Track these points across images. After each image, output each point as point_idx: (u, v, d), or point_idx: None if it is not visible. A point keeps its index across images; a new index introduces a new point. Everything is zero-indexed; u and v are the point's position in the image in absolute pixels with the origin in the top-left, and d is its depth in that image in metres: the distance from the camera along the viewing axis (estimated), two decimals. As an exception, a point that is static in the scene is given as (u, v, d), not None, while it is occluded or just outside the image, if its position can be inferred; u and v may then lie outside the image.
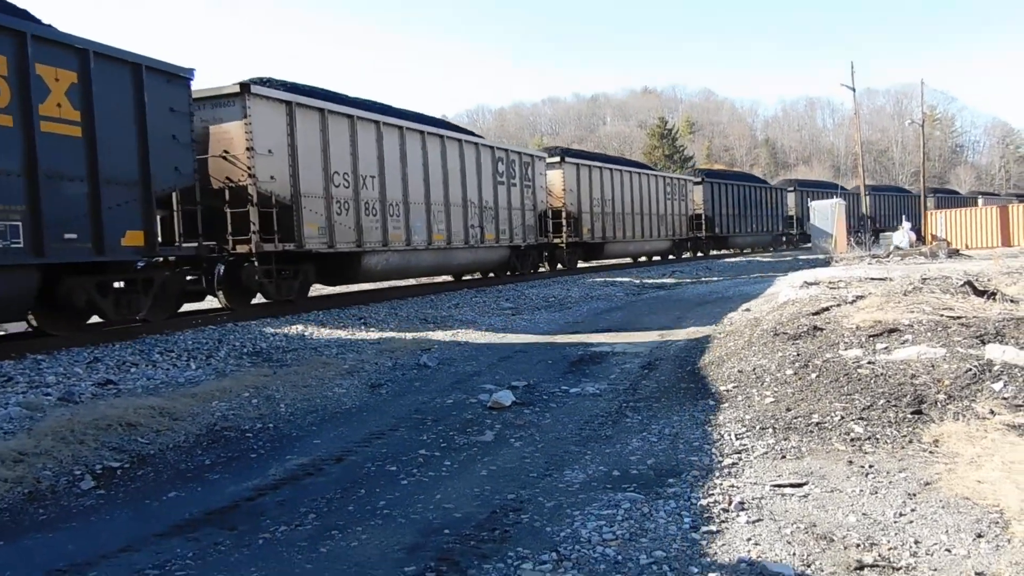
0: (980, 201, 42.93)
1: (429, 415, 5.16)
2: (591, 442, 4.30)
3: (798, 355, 5.37)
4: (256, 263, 9.87)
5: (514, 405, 5.28)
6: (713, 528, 2.95)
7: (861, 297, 7.46)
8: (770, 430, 4.15)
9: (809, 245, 33.49)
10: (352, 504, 3.50)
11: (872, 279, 9.61)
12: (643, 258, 26.20)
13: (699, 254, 28.71)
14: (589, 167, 20.77)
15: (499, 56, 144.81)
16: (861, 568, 2.54)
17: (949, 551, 2.62)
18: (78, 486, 3.86)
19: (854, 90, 29.08)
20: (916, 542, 2.71)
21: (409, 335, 8.83)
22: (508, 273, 17.43)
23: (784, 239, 36.21)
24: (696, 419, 4.60)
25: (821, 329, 6.08)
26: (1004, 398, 4.13)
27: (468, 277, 17.23)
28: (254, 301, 10.81)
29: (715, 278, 18.01)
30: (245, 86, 9.71)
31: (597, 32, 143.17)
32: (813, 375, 4.91)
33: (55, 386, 5.92)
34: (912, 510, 2.99)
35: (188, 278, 9.32)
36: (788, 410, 4.42)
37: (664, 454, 3.98)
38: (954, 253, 18.05)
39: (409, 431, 4.77)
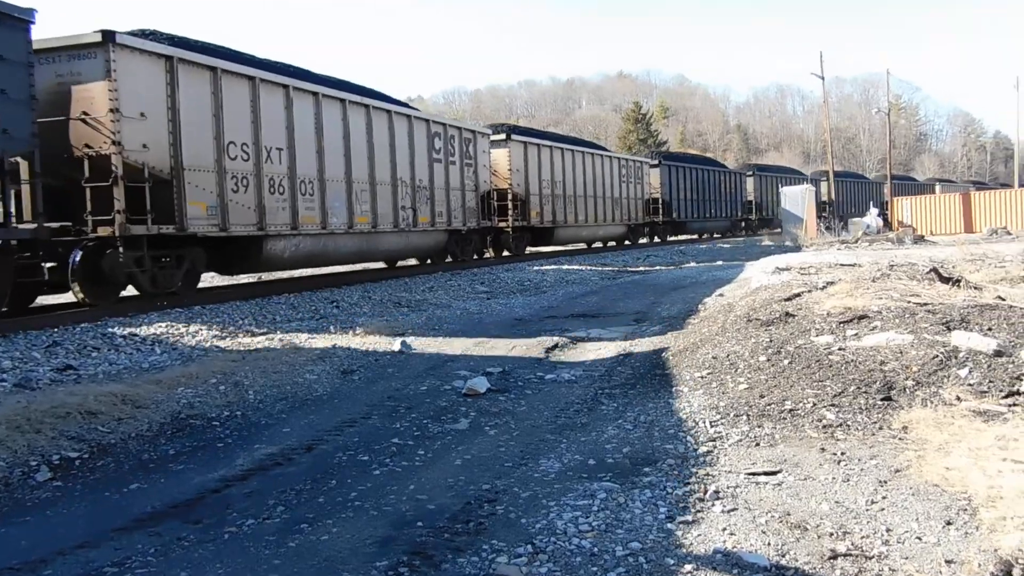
0: (938, 188, 43.48)
1: (403, 402, 5.06)
2: (567, 430, 4.27)
3: (771, 341, 5.41)
4: (122, 249, 8.17)
5: (489, 392, 5.22)
6: (689, 518, 2.94)
7: (831, 283, 7.57)
8: (744, 417, 4.18)
9: (767, 231, 34.25)
10: (322, 496, 3.41)
11: (842, 265, 9.78)
12: (598, 244, 25.06)
13: (656, 240, 27.96)
14: (538, 146, 19.48)
15: (476, 38, 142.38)
16: (835, 557, 2.55)
17: (920, 539, 2.65)
18: (33, 478, 3.68)
19: (823, 79, 29.47)
20: (887, 530, 2.74)
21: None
22: (448, 260, 16.15)
23: (743, 224, 35.50)
24: (671, 406, 4.61)
25: (793, 315, 6.14)
26: (969, 384, 4.22)
27: (401, 263, 15.64)
28: (125, 294, 9.17)
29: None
30: (108, 35, 8.04)
31: (574, 15, 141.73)
32: (786, 361, 4.95)
33: (11, 371, 5.65)
34: (883, 498, 3.02)
35: (43, 266, 7.83)
36: (761, 397, 4.45)
37: (640, 442, 3.96)
38: (920, 239, 18.57)
39: (382, 419, 4.67)
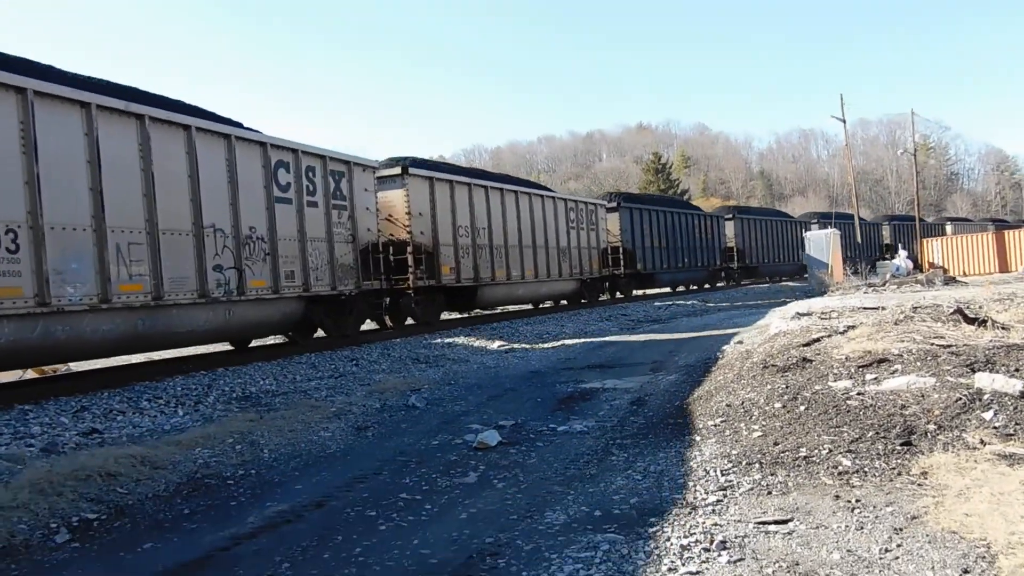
0: (949, 228, 41.59)
1: (413, 457, 5.08)
2: (575, 482, 4.22)
3: (787, 387, 5.31)
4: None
5: (500, 445, 5.20)
6: (693, 569, 2.86)
7: (852, 327, 7.42)
8: (757, 465, 4.07)
9: (752, 280, 32.81)
10: (328, 552, 3.42)
11: (865, 308, 9.58)
12: (548, 303, 20.69)
13: (618, 295, 23.71)
14: (451, 183, 14.86)
15: (493, 96, 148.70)
16: (843, 609, 2.45)
17: (934, 589, 2.53)
18: (53, 539, 3.78)
19: (844, 121, 29.71)
20: (901, 580, 2.62)
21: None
22: (316, 335, 12.07)
23: (723, 274, 31.46)
24: (682, 456, 4.52)
25: (811, 360, 6.02)
26: (994, 427, 4.06)
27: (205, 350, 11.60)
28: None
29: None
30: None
31: (591, 70, 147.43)
32: (802, 408, 4.84)
33: (39, 436, 5.86)
34: (898, 545, 2.89)
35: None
36: (775, 444, 4.34)
37: (648, 492, 3.89)
38: (950, 280, 18.04)
39: (392, 474, 4.69)
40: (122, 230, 8.05)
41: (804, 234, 28.43)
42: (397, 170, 13.82)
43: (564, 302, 20.92)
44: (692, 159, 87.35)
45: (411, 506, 4.00)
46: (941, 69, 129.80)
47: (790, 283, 32.37)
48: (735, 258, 31.41)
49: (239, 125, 10.42)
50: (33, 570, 3.45)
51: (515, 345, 12.08)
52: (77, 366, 9.97)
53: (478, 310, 17.65)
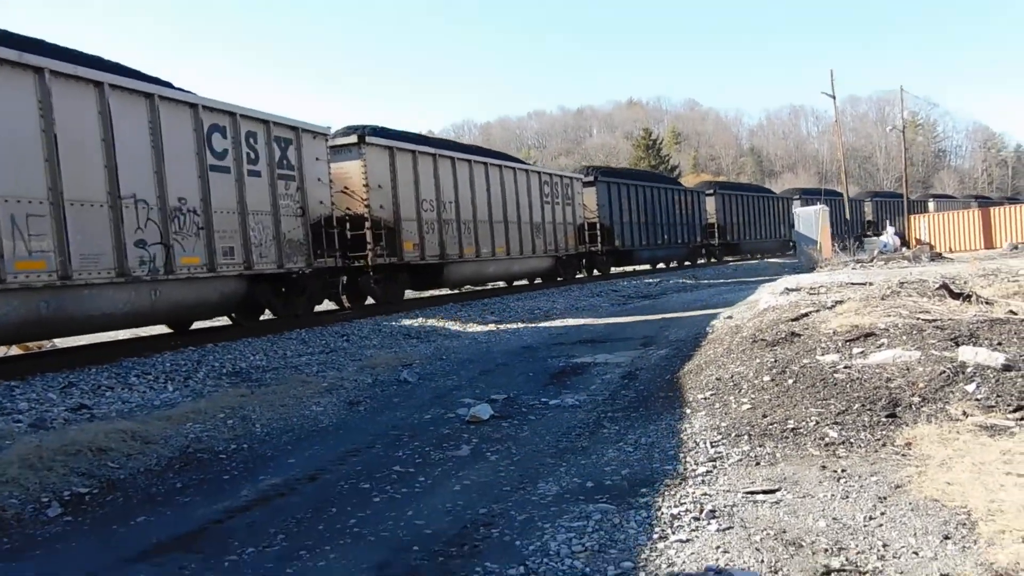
0: (931, 205, 41.69)
1: (406, 431, 5.11)
2: (567, 454, 4.27)
3: (776, 361, 5.38)
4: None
5: (492, 418, 5.24)
6: (683, 537, 2.92)
7: (840, 302, 7.51)
8: (745, 437, 4.14)
9: (734, 258, 32.31)
10: (322, 523, 3.45)
11: (853, 284, 9.68)
12: (524, 280, 19.76)
13: (596, 272, 22.90)
14: (413, 153, 13.75)
15: (484, 71, 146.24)
16: (828, 573, 2.52)
17: (916, 553, 2.60)
18: (45, 513, 3.78)
19: (834, 98, 29.62)
20: (884, 545, 2.69)
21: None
22: (264, 317, 11.21)
23: (703, 251, 30.50)
24: (673, 428, 4.58)
25: (799, 335, 6.10)
26: (977, 399, 4.15)
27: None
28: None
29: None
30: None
31: (582, 45, 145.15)
32: (790, 381, 4.91)
33: (27, 412, 5.81)
34: (882, 513, 2.97)
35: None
36: (764, 416, 4.41)
37: (639, 464, 3.95)
38: (937, 257, 18.28)
39: (385, 448, 4.72)
40: (17, 200, 6.98)
41: (793, 210, 28.45)
42: (353, 138, 12.56)
43: (539, 280, 19.92)
44: (682, 135, 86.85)
45: (404, 478, 4.04)
46: (931, 46, 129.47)
47: (775, 259, 31.65)
48: (716, 234, 30.67)
49: (168, 85, 9.35)
50: (26, 543, 3.45)
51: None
52: (63, 342, 9.85)
53: (446, 289, 16.69)
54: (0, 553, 3.32)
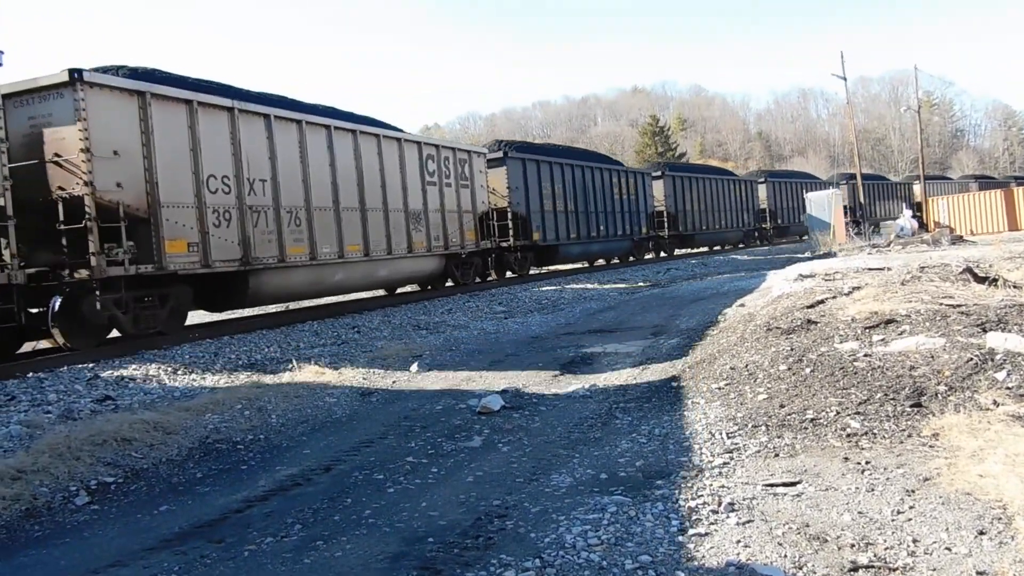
0: (917, 189, 40.51)
1: (418, 422, 5.08)
2: (579, 445, 4.21)
3: (792, 350, 5.26)
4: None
5: (503, 409, 5.19)
6: (701, 531, 2.85)
7: (857, 288, 7.34)
8: (763, 428, 4.05)
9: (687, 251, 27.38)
10: (338, 514, 3.44)
11: (870, 269, 9.48)
12: (402, 287, 14.96)
13: (509, 274, 17.75)
14: (189, 105, 8.98)
15: (488, 63, 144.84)
16: (856, 569, 2.44)
17: (949, 549, 2.51)
18: (73, 502, 3.86)
19: (845, 79, 28.92)
20: (914, 541, 2.60)
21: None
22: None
23: (651, 243, 25.27)
24: (687, 419, 4.50)
25: (815, 322, 5.96)
26: (1008, 388, 4.02)
27: None
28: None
29: None
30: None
31: (584, 34, 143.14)
32: (807, 370, 4.80)
33: (56, 403, 5.92)
34: (910, 507, 2.88)
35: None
36: (782, 407, 4.31)
37: (653, 455, 3.88)
38: (958, 240, 17.87)
39: (398, 439, 4.70)
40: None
41: (805, 194, 27.75)
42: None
43: (416, 288, 15.39)
44: (689, 121, 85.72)
45: (417, 469, 4.01)
46: (944, 23, 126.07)
47: (740, 255, 26.35)
48: (666, 224, 25.39)
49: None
50: (56, 530, 3.52)
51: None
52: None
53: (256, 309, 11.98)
54: (31, 540, 3.41)
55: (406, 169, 13.39)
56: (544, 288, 15.21)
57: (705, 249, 29.47)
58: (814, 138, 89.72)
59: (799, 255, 21.08)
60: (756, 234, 32.97)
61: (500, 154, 17.49)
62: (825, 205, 23.22)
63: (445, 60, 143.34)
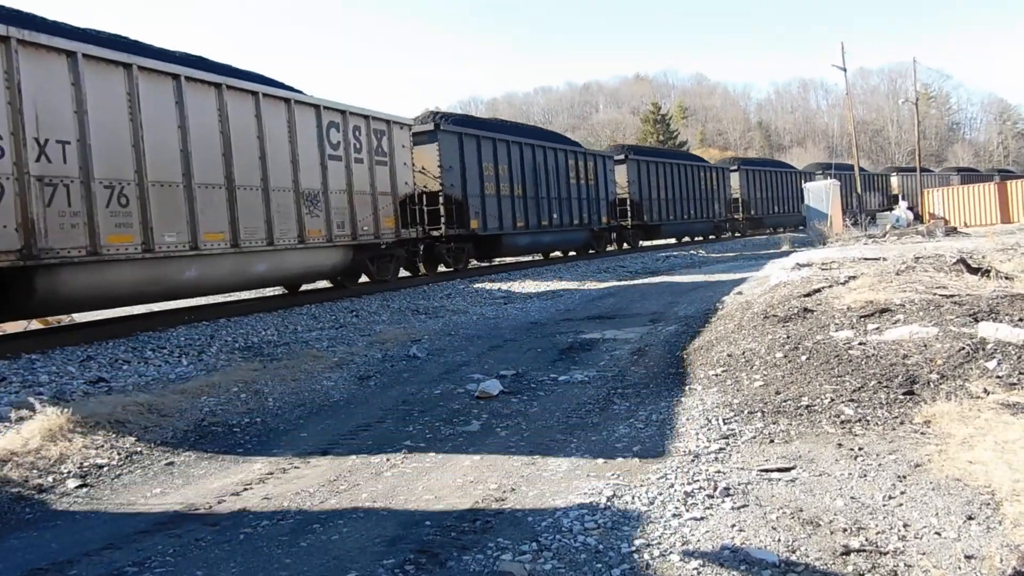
0: (894, 180, 41.06)
1: (416, 406, 5.10)
2: (577, 430, 4.25)
3: (788, 338, 5.30)
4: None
5: (502, 394, 5.22)
6: (697, 515, 2.89)
7: (853, 278, 7.38)
8: (759, 414, 4.09)
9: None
10: (335, 497, 3.46)
11: (866, 259, 9.53)
12: (303, 284, 12.26)
13: (442, 268, 15.35)
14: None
15: (491, 47, 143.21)
16: (847, 553, 2.48)
17: (939, 534, 2.56)
18: (65, 484, 3.84)
19: (845, 70, 28.81)
20: (905, 525, 2.65)
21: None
22: None
23: (612, 235, 23.31)
24: (684, 405, 4.54)
25: (812, 311, 6.00)
26: (998, 376, 4.07)
27: None
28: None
29: None
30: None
31: (588, 20, 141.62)
32: (803, 357, 4.85)
33: (47, 385, 5.88)
34: (902, 493, 2.93)
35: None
36: (777, 393, 4.36)
37: (651, 441, 3.92)
38: (952, 231, 17.98)
39: (395, 423, 4.72)
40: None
41: (804, 184, 27.56)
42: None
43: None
44: (690, 110, 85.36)
45: (415, 453, 4.03)
46: (944, 16, 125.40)
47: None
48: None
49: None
50: (47, 513, 3.50)
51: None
52: (80, 316, 9.91)
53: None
54: (22, 523, 3.38)
55: (297, 139, 10.39)
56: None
57: (673, 241, 27.80)
58: (813, 129, 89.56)
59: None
60: (727, 225, 31.22)
61: (430, 127, 14.65)
62: (823, 196, 23.24)
63: (449, 43, 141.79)
